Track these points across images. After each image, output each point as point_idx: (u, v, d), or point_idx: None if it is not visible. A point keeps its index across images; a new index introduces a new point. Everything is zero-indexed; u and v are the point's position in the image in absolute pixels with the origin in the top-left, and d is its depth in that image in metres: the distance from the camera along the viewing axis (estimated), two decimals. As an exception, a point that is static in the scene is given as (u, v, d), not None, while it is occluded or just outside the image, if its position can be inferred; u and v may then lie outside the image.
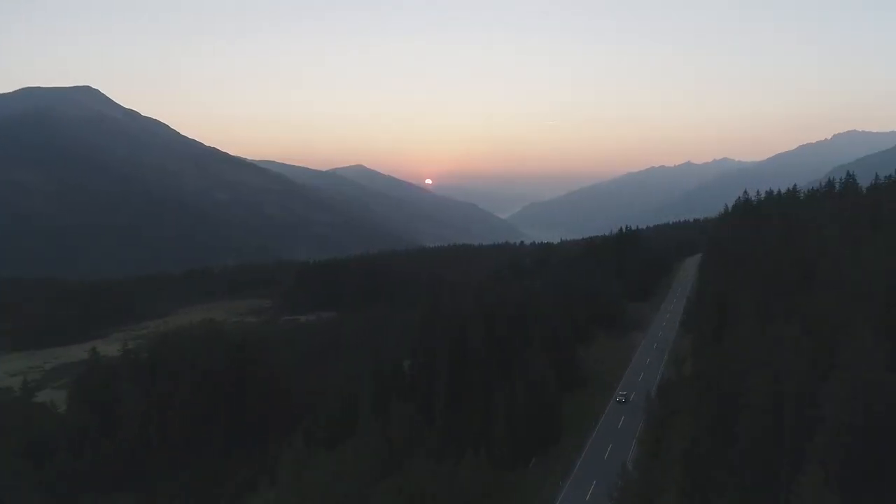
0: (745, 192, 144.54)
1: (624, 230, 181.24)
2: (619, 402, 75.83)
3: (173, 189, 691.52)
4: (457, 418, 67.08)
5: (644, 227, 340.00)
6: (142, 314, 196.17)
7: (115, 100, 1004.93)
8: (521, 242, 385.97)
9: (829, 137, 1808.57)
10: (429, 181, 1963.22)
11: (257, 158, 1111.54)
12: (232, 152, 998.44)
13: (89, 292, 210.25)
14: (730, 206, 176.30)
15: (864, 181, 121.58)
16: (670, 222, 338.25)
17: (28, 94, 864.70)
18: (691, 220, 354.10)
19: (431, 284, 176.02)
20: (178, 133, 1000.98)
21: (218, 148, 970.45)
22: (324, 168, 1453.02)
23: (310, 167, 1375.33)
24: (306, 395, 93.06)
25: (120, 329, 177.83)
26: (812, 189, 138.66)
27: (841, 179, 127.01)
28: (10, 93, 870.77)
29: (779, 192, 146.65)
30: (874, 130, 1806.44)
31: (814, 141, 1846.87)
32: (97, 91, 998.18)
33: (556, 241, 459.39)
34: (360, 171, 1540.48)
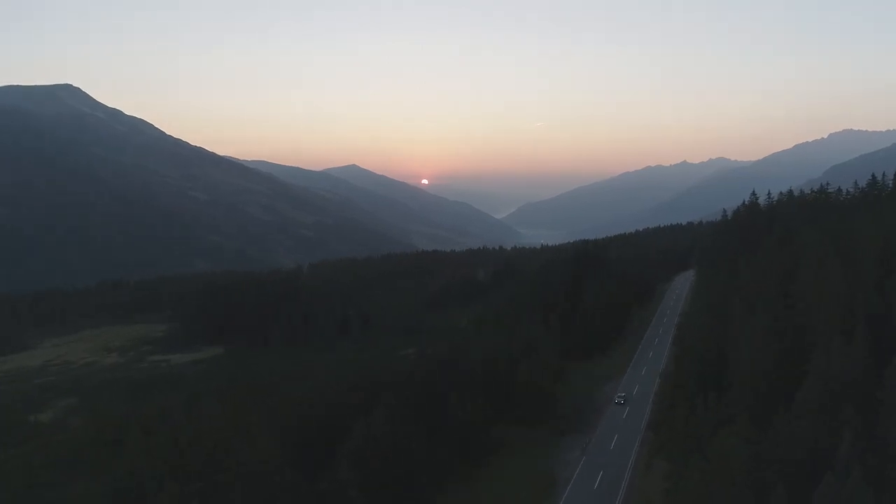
0: (753, 195, 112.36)
1: (584, 246, 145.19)
2: None
3: (150, 189, 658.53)
4: None
5: (635, 230, 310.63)
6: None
7: (98, 99, 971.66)
8: (500, 247, 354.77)
9: (825, 136, 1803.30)
10: (425, 181, 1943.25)
11: (248, 159, 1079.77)
12: (221, 153, 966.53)
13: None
14: (726, 207, 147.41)
15: (861, 180, 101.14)
16: (661, 226, 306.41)
17: (5, 92, 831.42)
18: (685, 222, 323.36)
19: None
20: (164, 133, 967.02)
21: (204, 147, 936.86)
22: (317, 168, 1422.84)
23: (302, 167, 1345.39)
24: None
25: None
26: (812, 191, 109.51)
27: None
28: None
29: (779, 195, 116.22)
30: (869, 129, 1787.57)
31: (810, 140, 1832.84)
32: (78, 89, 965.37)
33: (549, 241, 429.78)
34: (354, 170, 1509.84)
